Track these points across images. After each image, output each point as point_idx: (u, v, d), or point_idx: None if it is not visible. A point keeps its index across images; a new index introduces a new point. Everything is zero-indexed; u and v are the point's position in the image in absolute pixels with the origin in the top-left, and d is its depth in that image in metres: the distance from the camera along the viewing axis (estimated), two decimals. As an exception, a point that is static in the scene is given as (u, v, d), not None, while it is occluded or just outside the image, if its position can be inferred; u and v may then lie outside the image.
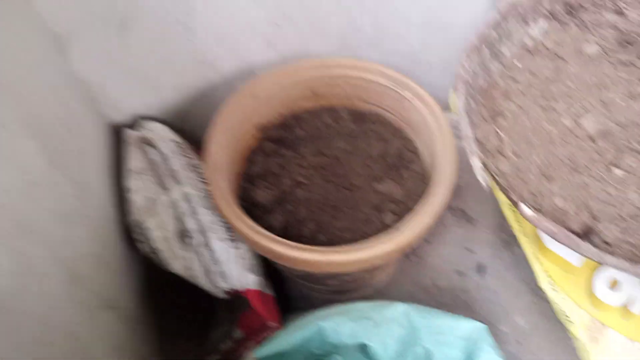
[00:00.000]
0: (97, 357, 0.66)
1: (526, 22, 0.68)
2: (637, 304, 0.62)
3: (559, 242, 0.52)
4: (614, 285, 0.63)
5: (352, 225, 0.75)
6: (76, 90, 0.76)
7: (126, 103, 0.85)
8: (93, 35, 0.73)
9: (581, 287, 0.65)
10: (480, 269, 0.93)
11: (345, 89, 0.86)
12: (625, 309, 0.62)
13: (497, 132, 0.60)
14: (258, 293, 0.77)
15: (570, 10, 0.70)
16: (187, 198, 0.77)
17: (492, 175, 0.58)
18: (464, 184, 1.02)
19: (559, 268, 0.66)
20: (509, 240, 0.94)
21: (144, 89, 0.85)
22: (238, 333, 0.81)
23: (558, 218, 0.55)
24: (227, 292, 0.77)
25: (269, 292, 0.81)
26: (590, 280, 0.64)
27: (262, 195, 0.76)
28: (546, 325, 0.83)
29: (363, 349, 0.68)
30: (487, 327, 0.64)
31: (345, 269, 0.71)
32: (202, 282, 0.77)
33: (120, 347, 0.72)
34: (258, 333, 0.79)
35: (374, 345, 0.66)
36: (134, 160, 0.79)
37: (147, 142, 0.80)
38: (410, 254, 0.98)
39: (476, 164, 0.57)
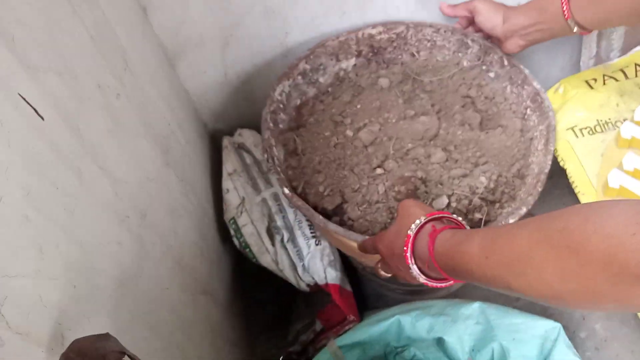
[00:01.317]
0: (195, 335, 0.73)
1: (338, 59, 0.87)
2: None
3: (305, 215, 0.70)
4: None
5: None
6: (183, 100, 0.85)
7: (225, 112, 0.94)
8: (199, 52, 0.83)
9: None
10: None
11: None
12: None
13: (295, 138, 0.79)
14: (338, 287, 0.82)
15: (375, 51, 0.88)
16: (276, 198, 0.84)
17: (285, 168, 0.77)
18: (543, 191, 1.02)
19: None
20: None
21: (240, 99, 0.94)
22: (318, 325, 0.86)
23: (317, 200, 0.73)
24: (310, 286, 0.83)
25: (348, 287, 0.86)
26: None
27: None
28: (627, 333, 0.82)
29: (439, 343, 0.71)
30: (562, 325, 0.66)
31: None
32: (288, 275, 0.83)
33: (214, 330, 0.79)
34: (337, 326, 0.84)
35: (451, 340, 0.70)
36: (231, 163, 0.87)
37: (243, 148, 0.89)
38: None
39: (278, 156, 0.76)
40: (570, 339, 0.68)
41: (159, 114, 0.74)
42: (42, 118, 0.44)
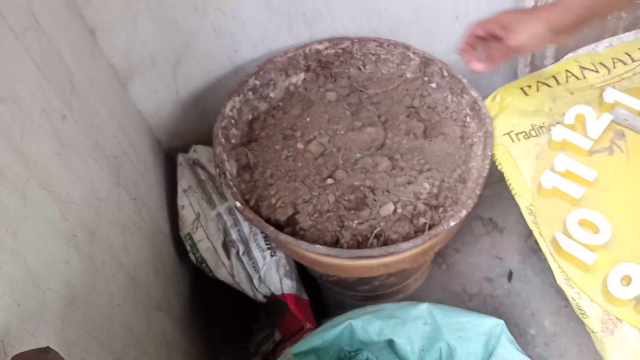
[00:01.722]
0: (150, 351, 0.74)
1: (287, 74, 0.90)
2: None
3: (257, 227, 0.72)
4: (627, 281, 0.66)
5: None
6: (136, 119, 0.87)
7: (179, 129, 0.96)
8: (151, 72, 0.85)
9: (595, 283, 0.68)
10: (509, 275, 0.97)
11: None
12: (638, 303, 0.65)
13: (247, 152, 0.82)
14: (294, 297, 0.84)
15: (322, 66, 0.91)
16: (231, 212, 0.86)
17: (238, 182, 0.79)
18: (493, 194, 1.06)
19: (573, 266, 0.70)
20: (536, 247, 0.98)
21: (194, 116, 0.96)
22: (278, 335, 0.88)
23: (270, 212, 0.75)
24: (267, 297, 0.85)
25: (304, 296, 0.88)
26: (603, 277, 0.68)
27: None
28: (574, 328, 0.86)
29: (390, 345, 0.73)
30: (504, 321, 0.69)
31: (372, 273, 0.77)
32: (244, 288, 0.85)
33: (170, 344, 0.80)
34: (295, 335, 0.85)
35: (400, 341, 0.72)
36: (185, 180, 0.89)
37: (197, 164, 0.90)
38: (441, 262, 1.02)
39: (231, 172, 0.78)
40: (521, 336, 0.72)
41: (110, 134, 0.76)
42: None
